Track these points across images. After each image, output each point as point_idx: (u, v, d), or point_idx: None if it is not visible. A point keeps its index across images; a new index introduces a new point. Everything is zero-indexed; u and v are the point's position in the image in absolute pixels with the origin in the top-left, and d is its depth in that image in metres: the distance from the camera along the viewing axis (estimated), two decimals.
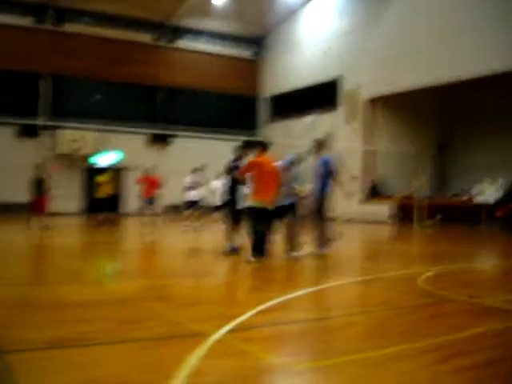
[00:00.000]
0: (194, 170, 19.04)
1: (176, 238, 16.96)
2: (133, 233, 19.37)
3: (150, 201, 21.29)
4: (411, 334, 4.98)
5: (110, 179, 20.77)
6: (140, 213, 21.71)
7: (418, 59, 24.92)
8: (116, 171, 29.55)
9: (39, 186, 18.16)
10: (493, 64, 21.59)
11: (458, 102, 29.31)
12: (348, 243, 15.76)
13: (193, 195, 19.06)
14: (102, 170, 21.33)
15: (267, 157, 10.35)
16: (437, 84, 24.59)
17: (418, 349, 4.45)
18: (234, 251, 11.06)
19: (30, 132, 29.46)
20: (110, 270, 10.16)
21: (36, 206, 18.03)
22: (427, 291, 7.27)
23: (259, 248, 10.00)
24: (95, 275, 8.90)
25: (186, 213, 19.32)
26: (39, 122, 29.02)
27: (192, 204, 19.16)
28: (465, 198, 24.19)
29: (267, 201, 10.08)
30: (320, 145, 11.60)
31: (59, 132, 29.25)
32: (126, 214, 29.99)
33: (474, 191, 22.72)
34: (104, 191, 20.38)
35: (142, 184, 21.07)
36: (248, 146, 11.59)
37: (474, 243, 16.88)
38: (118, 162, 30.78)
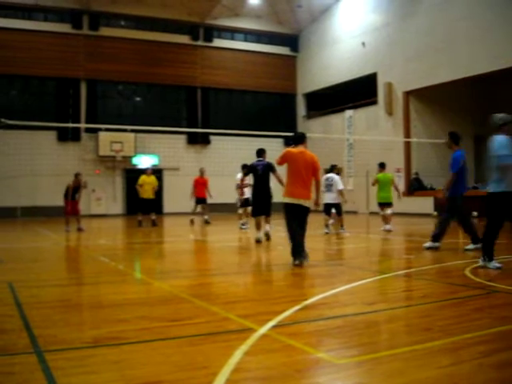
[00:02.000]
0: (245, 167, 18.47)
1: (219, 236, 17.03)
2: (175, 232, 19.48)
3: (202, 200, 21.50)
4: (456, 327, 4.90)
5: (153, 181, 20.79)
6: (191, 213, 21.92)
7: (453, 51, 24.69)
8: (157, 172, 29.97)
9: (73, 193, 18.74)
10: None
11: (495, 93, 28.82)
12: (392, 236, 15.64)
13: (246, 193, 18.66)
14: (144, 171, 21.45)
15: (301, 149, 9.62)
16: (473, 76, 24.30)
17: (463, 342, 4.38)
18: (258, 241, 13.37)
19: (72, 136, 29.92)
20: (152, 269, 10.23)
21: (70, 209, 18.59)
22: (475, 282, 7.16)
23: (294, 250, 9.34)
24: (136, 275, 8.98)
25: (240, 210, 19.13)
26: (80, 125, 29.41)
27: (245, 202, 18.73)
28: None
29: (291, 195, 9.41)
30: (454, 138, 11.49)
31: (101, 135, 29.63)
32: (168, 214, 30.26)
33: None
34: (147, 192, 20.48)
35: (197, 184, 21.44)
36: (262, 151, 13.79)
37: None
38: (159, 164, 31.13)
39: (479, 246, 10.64)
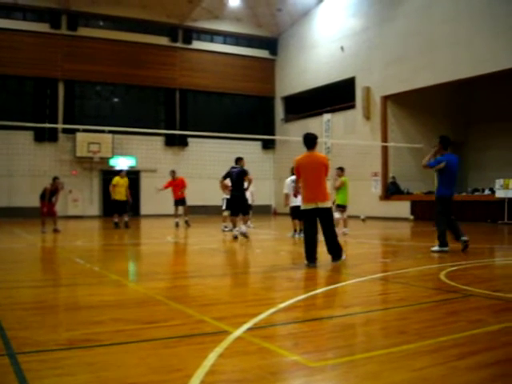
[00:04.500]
0: (232, 169, 18.06)
1: (197, 239, 17.00)
2: (152, 234, 19.40)
3: (179, 202, 21.37)
4: (431, 330, 4.93)
5: (126, 183, 20.67)
6: (173, 215, 21.80)
7: (432, 56, 24.90)
8: (134, 174, 29.85)
9: (50, 196, 18.70)
10: (508, 61, 21.53)
11: (473, 99, 29.15)
12: (368, 240, 15.72)
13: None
14: (119, 173, 21.35)
15: (310, 153, 9.66)
16: (452, 81, 24.54)
17: (437, 345, 4.41)
18: (236, 237, 15.20)
19: (49, 136, 29.70)
20: (128, 271, 10.19)
21: (46, 211, 18.62)
22: (449, 286, 7.21)
23: (307, 253, 9.43)
24: (112, 277, 8.93)
25: (226, 213, 18.71)
26: (58, 125, 29.20)
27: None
28: (486, 193, 23.96)
29: (309, 201, 9.48)
30: (444, 142, 11.74)
31: (78, 136, 29.43)
32: (145, 216, 30.17)
33: (497, 185, 22.45)
34: (120, 194, 20.41)
35: (172, 186, 21.32)
36: (237, 159, 15.68)
37: (496, 239, 16.74)
38: (136, 165, 31.03)
39: (446, 249, 11.16)
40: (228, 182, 16.04)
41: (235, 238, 15.23)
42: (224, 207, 18.60)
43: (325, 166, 9.58)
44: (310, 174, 9.50)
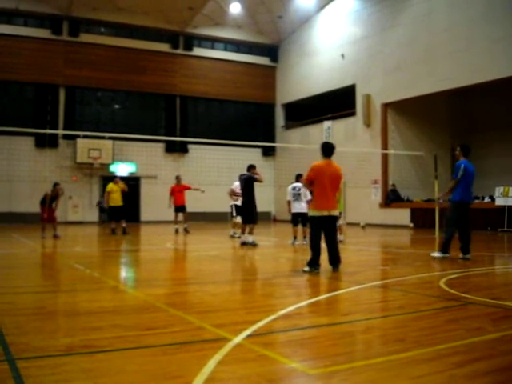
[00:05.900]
0: (241, 176, 17.21)
1: (196, 245, 16.99)
2: (151, 241, 19.38)
3: (180, 209, 21.32)
4: (430, 338, 4.92)
5: (120, 189, 20.66)
6: (173, 221, 21.80)
7: (433, 64, 24.91)
8: (135, 180, 29.84)
9: (51, 202, 18.78)
10: (507, 69, 21.57)
11: (473, 107, 29.14)
12: (368, 247, 15.70)
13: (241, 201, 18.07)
14: (114, 179, 21.38)
15: (329, 161, 9.72)
16: (452, 89, 24.56)
17: (436, 353, 4.40)
18: (243, 244, 15.29)
19: (50, 142, 29.69)
20: (127, 277, 10.18)
21: (46, 217, 18.67)
22: (449, 294, 7.20)
23: (314, 259, 9.51)
24: (111, 283, 8.92)
25: (235, 219, 18.63)
26: (58, 131, 29.18)
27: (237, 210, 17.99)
28: (486, 200, 23.92)
29: (323, 208, 9.55)
30: (464, 149, 12.00)
31: (79, 142, 29.42)
32: (145, 223, 30.15)
33: (497, 193, 22.46)
34: (115, 200, 20.44)
35: (175, 192, 21.30)
36: (248, 167, 15.60)
37: (496, 247, 16.72)
38: (137, 171, 31.03)
39: (447, 255, 11.19)
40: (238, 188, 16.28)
41: (242, 244, 15.31)
42: (234, 213, 18.51)
43: (341, 176, 9.89)
44: (328, 182, 9.60)
